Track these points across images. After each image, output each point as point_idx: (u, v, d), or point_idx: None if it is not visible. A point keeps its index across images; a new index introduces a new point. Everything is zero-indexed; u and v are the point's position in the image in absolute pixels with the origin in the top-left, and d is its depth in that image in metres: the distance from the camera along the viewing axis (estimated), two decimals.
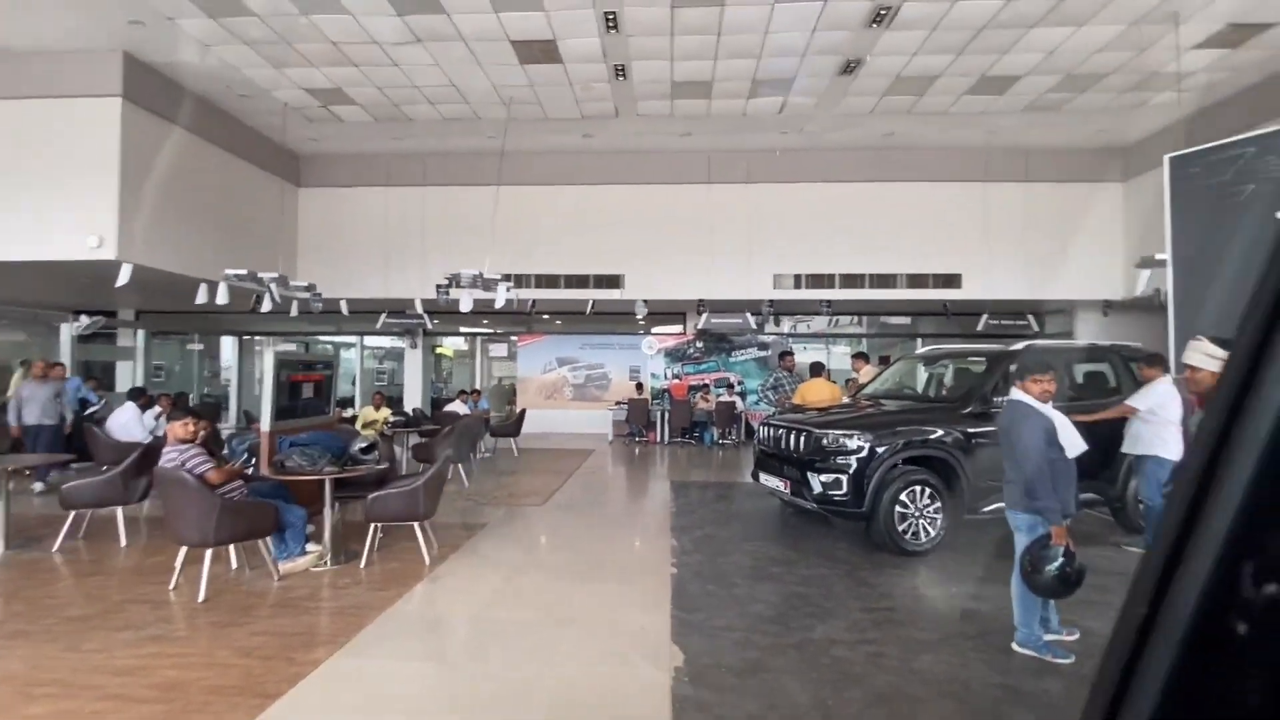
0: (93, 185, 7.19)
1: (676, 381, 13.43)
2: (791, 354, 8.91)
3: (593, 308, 11.25)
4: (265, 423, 5.09)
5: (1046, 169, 10.42)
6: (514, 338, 14.49)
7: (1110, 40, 7.03)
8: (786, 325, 13.30)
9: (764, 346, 13.36)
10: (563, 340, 14.02)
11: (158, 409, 7.74)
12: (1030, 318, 11.81)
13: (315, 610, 3.96)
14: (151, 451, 5.18)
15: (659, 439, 12.59)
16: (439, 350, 16.11)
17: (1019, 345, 5.95)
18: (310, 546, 4.71)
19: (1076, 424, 3.26)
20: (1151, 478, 4.93)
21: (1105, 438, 5.06)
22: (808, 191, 10.69)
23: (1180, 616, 0.45)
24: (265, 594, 4.19)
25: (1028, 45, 7.21)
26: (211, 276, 8.00)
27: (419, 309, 10.78)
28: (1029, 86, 8.23)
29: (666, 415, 12.46)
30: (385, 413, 9.08)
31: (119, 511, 5.33)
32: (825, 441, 5.34)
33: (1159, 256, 5.77)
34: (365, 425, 8.83)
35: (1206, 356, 2.72)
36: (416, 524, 4.86)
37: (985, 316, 11.56)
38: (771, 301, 11.03)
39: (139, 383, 12.37)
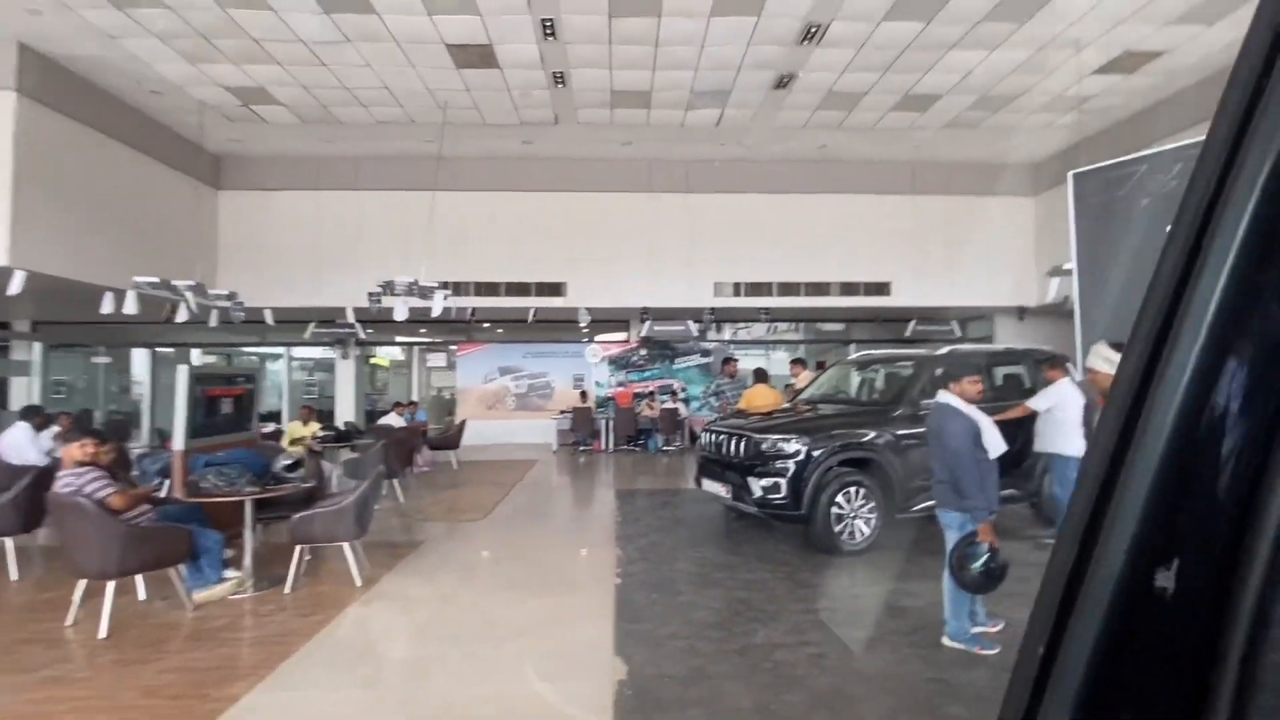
0: None
1: (621, 389, 13.42)
2: (734, 361, 9.08)
3: (535, 316, 11.12)
4: (178, 441, 4.74)
5: (967, 183, 11.04)
6: (453, 347, 14.13)
7: (1019, 64, 7.53)
8: (728, 332, 13.53)
9: (706, 353, 13.54)
10: (504, 349, 13.78)
11: (55, 429, 7.10)
12: (954, 324, 12.47)
13: (234, 641, 3.70)
14: (47, 475, 4.74)
15: (604, 447, 12.53)
16: (374, 361, 15.54)
17: (943, 350, 6.26)
18: (229, 573, 4.41)
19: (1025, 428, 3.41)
20: (1059, 473, 5.26)
21: (1021, 436, 5.36)
22: (746, 201, 10.93)
23: (1091, 603, 0.47)
24: (177, 626, 3.89)
25: (946, 66, 7.63)
26: (119, 284, 7.44)
27: (351, 318, 10.37)
28: (948, 105, 8.70)
29: (611, 423, 12.43)
30: (314, 427, 8.65)
31: (8, 542, 4.85)
32: (764, 446, 5.44)
33: (1066, 266, 6.20)
34: (292, 441, 8.39)
35: (1105, 360, 2.91)
36: (347, 544, 4.63)
37: (913, 323, 12.13)
38: (713, 309, 11.22)
39: (36, 400, 11.34)
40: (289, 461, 4.80)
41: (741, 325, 13.46)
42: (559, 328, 12.69)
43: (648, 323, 11.85)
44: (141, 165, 8.71)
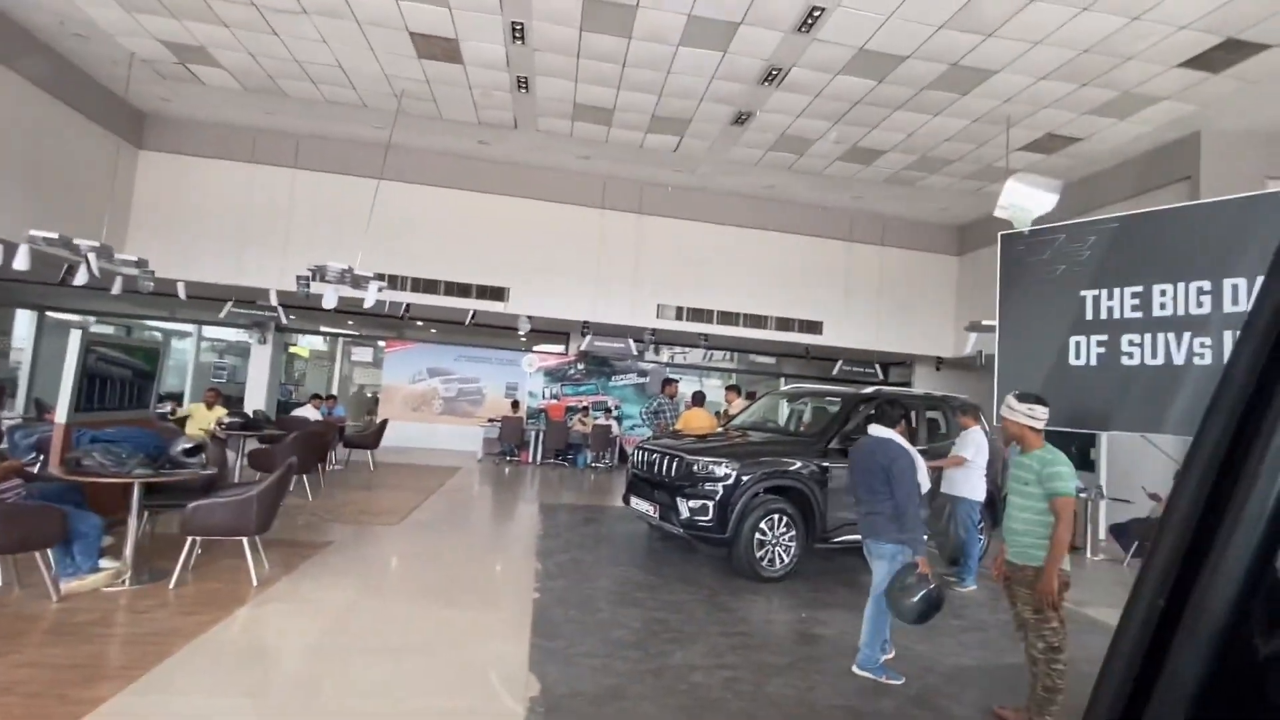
0: None
1: (554, 402, 13.25)
2: (675, 382, 9.14)
3: (473, 319, 10.85)
4: (62, 413, 4.29)
5: (899, 236, 11.72)
6: (381, 343, 13.57)
7: (956, 132, 8.11)
8: (666, 354, 13.66)
9: (643, 373, 13.60)
10: (436, 350, 13.34)
11: None
12: (877, 366, 13.10)
13: (104, 637, 3.34)
14: None
15: (531, 459, 12.29)
16: (293, 349, 14.68)
17: (869, 390, 6.56)
18: (105, 563, 4.00)
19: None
20: (962, 516, 5.58)
21: (931, 478, 5.66)
22: (695, 229, 11.15)
23: (1190, 656, 0.45)
24: (39, 618, 3.48)
25: (892, 125, 8.12)
26: (11, 236, 6.72)
27: (274, 301, 9.79)
28: (890, 161, 9.25)
29: (541, 435, 12.22)
30: (219, 412, 8.05)
31: None
32: (695, 468, 5.48)
33: (986, 322, 6.66)
34: (194, 425, 7.78)
35: (1012, 409, 3.14)
36: (246, 540, 4.30)
37: (840, 362, 12.66)
38: (654, 330, 11.30)
39: None
40: (189, 445, 4.44)
41: (679, 349, 13.63)
42: (497, 333, 12.44)
43: (588, 337, 11.80)
44: (54, 111, 7.97)
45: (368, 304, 7.67)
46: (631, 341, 11.79)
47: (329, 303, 7.52)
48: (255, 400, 11.91)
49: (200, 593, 4.02)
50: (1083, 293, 3.23)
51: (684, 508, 5.42)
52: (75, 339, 4.46)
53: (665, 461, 5.79)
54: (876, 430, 3.70)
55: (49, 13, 7.02)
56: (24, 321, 12.31)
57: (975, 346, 8.71)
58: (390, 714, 2.84)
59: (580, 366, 13.43)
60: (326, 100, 8.76)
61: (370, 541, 5.77)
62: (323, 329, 13.64)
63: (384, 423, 10.30)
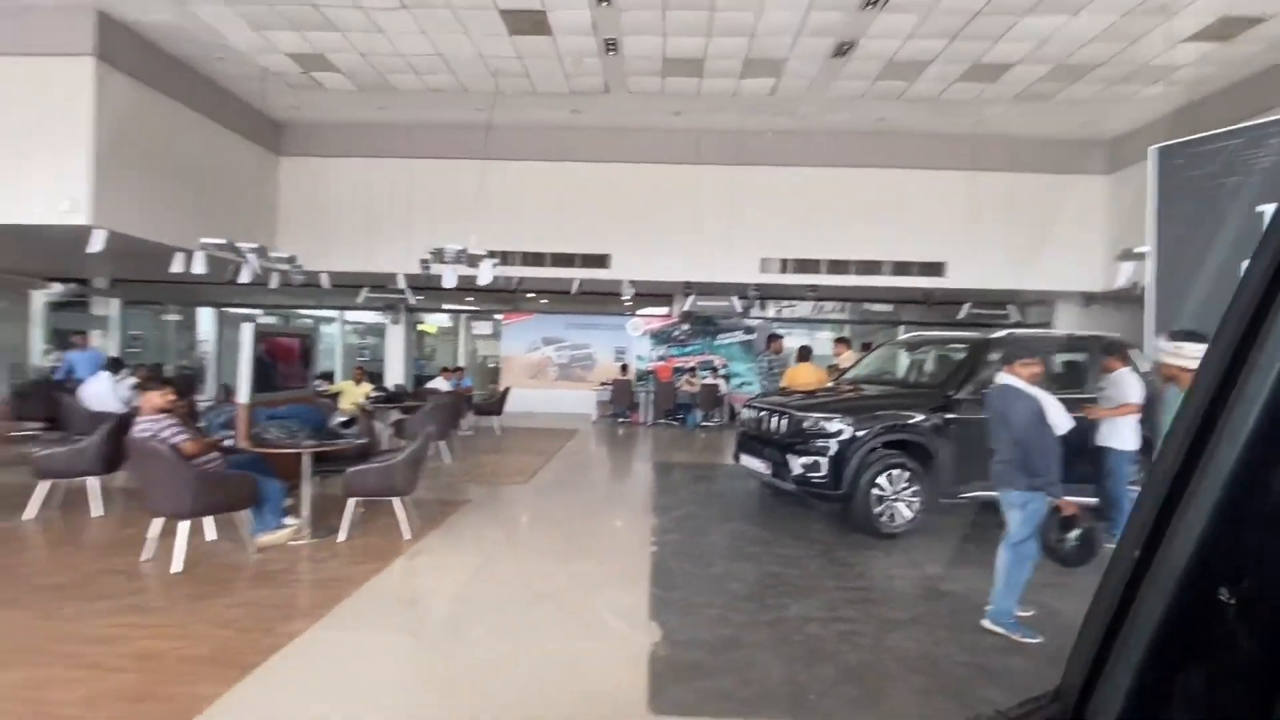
0: (65, 147, 6.95)
1: (661, 363, 13.44)
2: (780, 338, 8.96)
3: (579, 287, 11.17)
4: (243, 395, 5.01)
5: (1032, 159, 10.46)
6: (499, 316, 14.38)
7: (1102, 31, 7.03)
8: (772, 309, 13.33)
9: (749, 330, 13.40)
10: (548, 319, 13.95)
11: (133, 379, 7.58)
12: (1011, 308, 11.96)
13: (293, 583, 3.94)
14: (126, 422, 5.08)
15: (643, 420, 12.63)
16: (422, 327, 15.94)
17: (1000, 333, 6.03)
18: (288, 520, 4.67)
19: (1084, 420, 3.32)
20: (1114, 467, 5.04)
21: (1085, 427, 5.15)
22: (796, 175, 10.63)
23: (1152, 602, 0.47)
24: (242, 567, 4.16)
25: (1019, 34, 7.19)
26: (188, 245, 7.81)
27: (402, 284, 10.63)
28: (1019, 76, 8.22)
29: (651, 397, 12.49)
30: (366, 388, 8.99)
31: (94, 481, 5.24)
32: (806, 424, 5.39)
33: (1139, 250, 5.84)
34: (346, 400, 8.74)
35: (1163, 349, 2.77)
36: (396, 499, 4.84)
37: (967, 306, 11.69)
38: (758, 285, 11.04)
39: (114, 352, 12.10)
40: (344, 419, 5.03)
41: (786, 303, 13.23)
42: (603, 300, 12.73)
43: (691, 297, 11.77)
44: (211, 131, 9.04)
45: (482, 281, 8.15)
46: (735, 298, 11.61)
47: (448, 282, 8.08)
48: (394, 375, 13.14)
49: (363, 546, 4.60)
50: (1260, 208, 2.74)
51: (796, 464, 5.37)
52: (248, 331, 5.15)
53: (775, 419, 5.74)
54: (1003, 377, 3.48)
55: (198, 43, 7.91)
56: (206, 318, 14.34)
57: (1131, 277, 7.67)
58: (530, 656, 3.13)
59: (685, 327, 13.47)
60: (430, 89, 9.22)
61: (502, 500, 6.27)
62: (446, 307, 14.67)
63: (506, 390, 11.00)
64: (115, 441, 5.22)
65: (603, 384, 12.88)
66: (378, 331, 14.95)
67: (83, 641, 3.07)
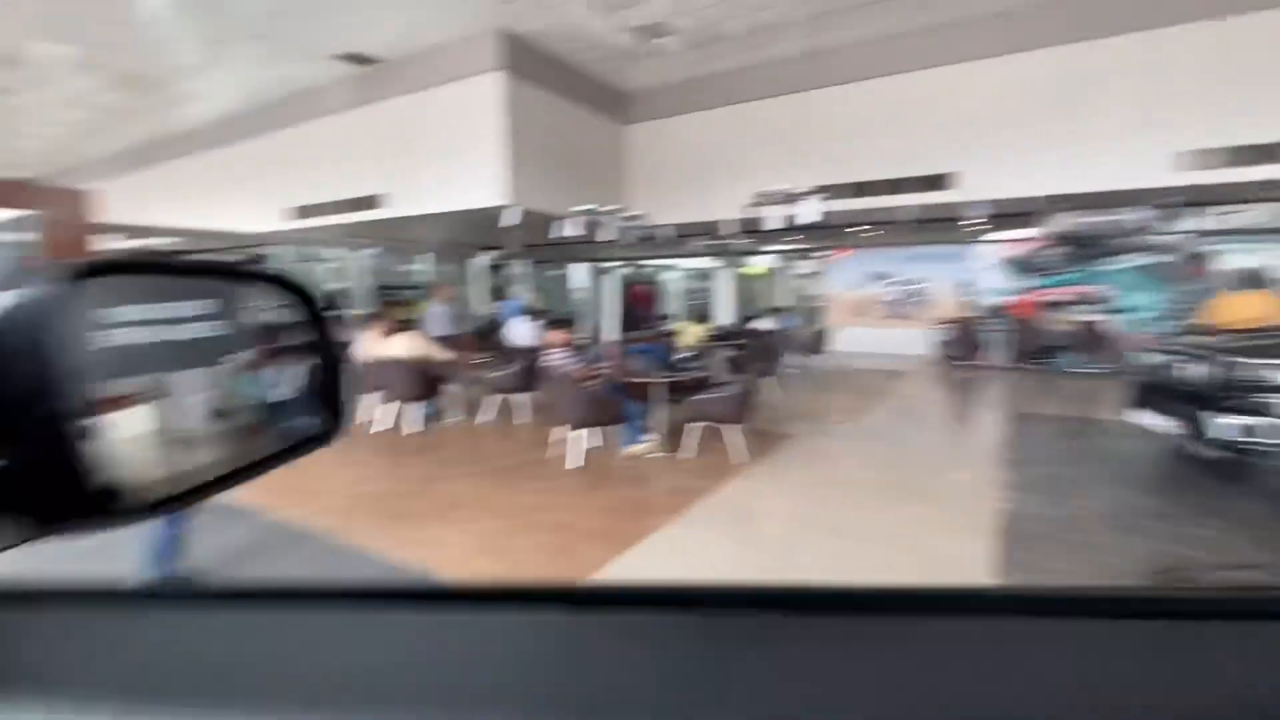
0: (487, 145, 9.19)
1: (1020, 297, 11.43)
2: (1202, 258, 6.72)
3: (914, 215, 10.16)
4: (612, 333, 6.09)
5: None
6: (825, 253, 14.06)
7: None
8: (1191, 221, 10.01)
9: (1152, 250, 10.34)
10: (876, 253, 13.07)
11: (542, 322, 9.84)
12: None
13: (651, 487, 4.76)
14: (537, 354, 6.68)
15: (992, 363, 11.05)
16: (745, 270, 16.62)
17: None
18: (646, 437, 5.60)
19: None
20: None
21: None
22: (1231, 30, 7.54)
23: None
24: (614, 469, 5.18)
25: None
26: (560, 212, 9.61)
27: (730, 229, 11.21)
28: None
29: (1004, 337, 10.80)
30: (704, 327, 9.91)
31: (517, 398, 7.07)
32: (1242, 373, 4.06)
33: None
34: (686, 339, 9.77)
35: None
36: (730, 427, 5.34)
37: None
38: (1167, 189, 8.40)
39: (527, 302, 15.76)
40: (687, 355, 5.71)
41: (1217, 210, 9.76)
42: (945, 227, 11.32)
43: (1064, 214, 9.61)
44: (574, 113, 10.79)
45: (807, 219, 8.09)
46: (1131, 211, 9.06)
47: (772, 224, 8.25)
48: (722, 316, 14.10)
49: (704, 464, 5.24)
50: None
51: (1224, 425, 4.12)
52: (613, 281, 6.22)
53: (1193, 366, 4.46)
54: None
55: (566, 38, 9.43)
56: (578, 272, 17.47)
57: None
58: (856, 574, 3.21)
59: (1055, 252, 11.08)
60: (749, 30, 9.22)
61: (826, 437, 6.35)
62: (770, 248, 14.96)
63: (828, 330, 10.85)
64: (530, 369, 6.91)
65: (940, 322, 11.62)
66: (707, 276, 16.16)
67: (523, 508, 4.29)
